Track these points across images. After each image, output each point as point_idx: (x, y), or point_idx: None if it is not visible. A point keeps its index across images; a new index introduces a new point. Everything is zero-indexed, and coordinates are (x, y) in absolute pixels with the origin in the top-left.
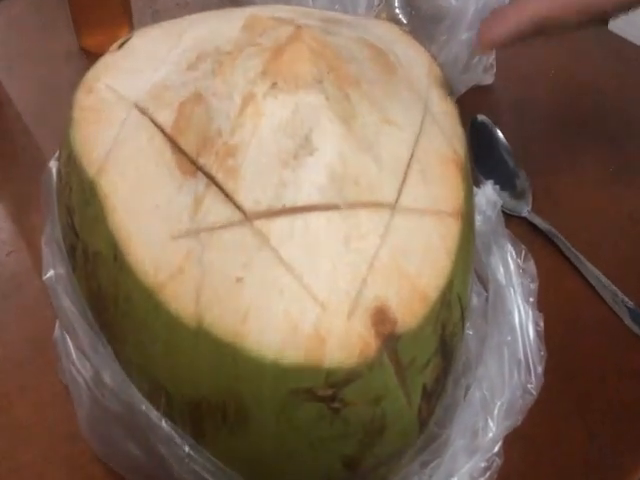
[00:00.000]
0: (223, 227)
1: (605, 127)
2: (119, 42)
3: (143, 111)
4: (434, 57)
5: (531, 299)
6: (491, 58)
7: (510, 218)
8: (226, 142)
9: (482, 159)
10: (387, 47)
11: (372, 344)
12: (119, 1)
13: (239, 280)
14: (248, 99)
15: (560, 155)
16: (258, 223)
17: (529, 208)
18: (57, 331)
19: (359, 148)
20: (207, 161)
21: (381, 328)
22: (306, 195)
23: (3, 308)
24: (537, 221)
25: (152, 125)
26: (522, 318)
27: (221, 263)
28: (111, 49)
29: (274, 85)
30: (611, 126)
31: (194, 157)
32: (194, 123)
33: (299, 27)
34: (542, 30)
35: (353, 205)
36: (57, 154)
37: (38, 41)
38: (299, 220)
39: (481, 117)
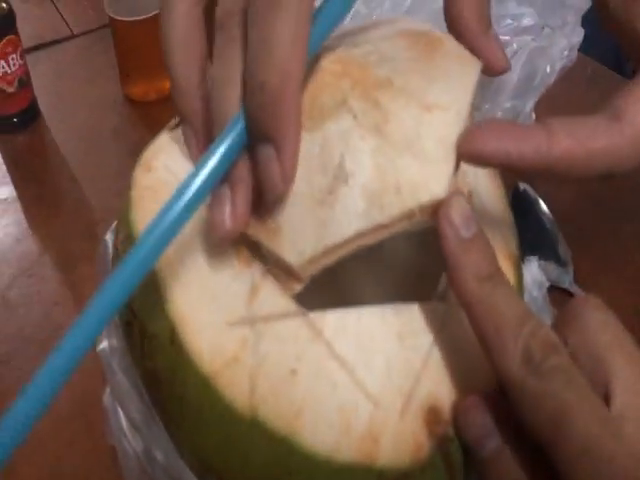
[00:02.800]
0: (278, 318)
1: None
2: (176, 121)
3: None
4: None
5: None
6: (532, 120)
7: (552, 288)
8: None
9: (523, 228)
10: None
11: (425, 445)
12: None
13: (293, 372)
14: None
15: (603, 220)
16: (312, 316)
17: (571, 279)
18: (107, 397)
19: (396, 151)
20: (254, 229)
21: (434, 428)
22: (346, 227)
23: None
24: (579, 293)
25: None
26: None
27: (276, 354)
28: (168, 126)
29: None
30: None
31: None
32: None
33: (316, 57)
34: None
35: (395, 218)
36: (113, 226)
37: (85, 89)
38: (352, 314)
39: (523, 185)
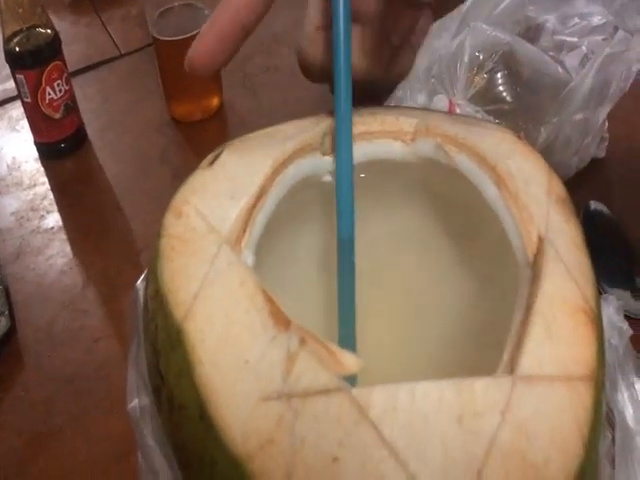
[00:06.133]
0: (317, 393)
1: None
2: (210, 158)
3: (234, 249)
4: (554, 170)
5: None
6: (604, 130)
7: (632, 321)
8: None
9: (596, 252)
10: (500, 162)
11: None
12: None
13: (335, 460)
14: None
15: None
16: (357, 392)
17: None
18: (140, 460)
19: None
20: None
21: None
22: None
23: (88, 403)
24: None
25: (244, 267)
26: None
27: (315, 437)
28: (202, 165)
29: None
30: None
31: None
32: None
33: None
34: None
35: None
36: (145, 274)
37: (131, 111)
38: (404, 391)
39: (595, 204)
